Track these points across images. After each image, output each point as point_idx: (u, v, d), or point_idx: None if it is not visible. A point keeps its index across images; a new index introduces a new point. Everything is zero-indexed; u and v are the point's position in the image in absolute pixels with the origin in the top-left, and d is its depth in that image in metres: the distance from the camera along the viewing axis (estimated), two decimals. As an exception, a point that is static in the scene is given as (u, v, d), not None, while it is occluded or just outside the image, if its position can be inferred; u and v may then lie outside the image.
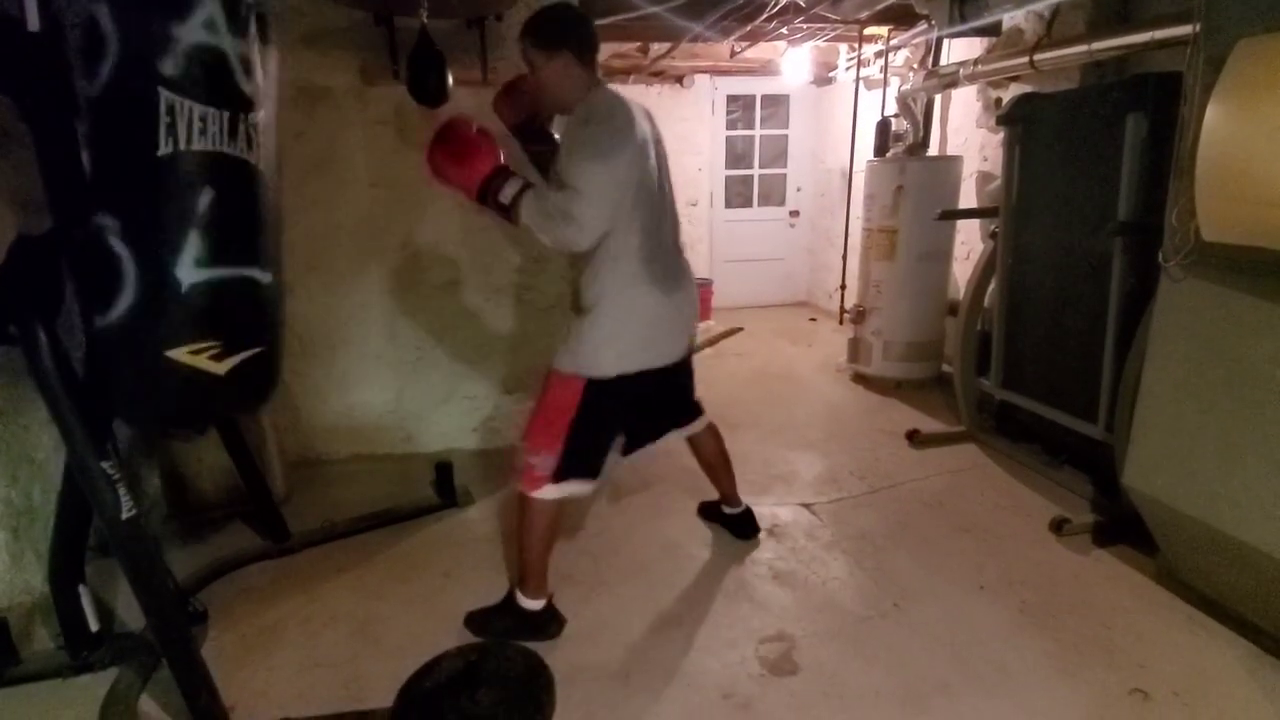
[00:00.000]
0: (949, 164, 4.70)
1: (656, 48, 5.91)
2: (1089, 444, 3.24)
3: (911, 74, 5.07)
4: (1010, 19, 4.04)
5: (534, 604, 2.36)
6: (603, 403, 2.22)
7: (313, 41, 3.34)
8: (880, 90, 5.65)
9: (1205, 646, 2.30)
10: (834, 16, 4.57)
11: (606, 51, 5.58)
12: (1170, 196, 2.30)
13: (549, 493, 2.26)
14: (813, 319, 7.27)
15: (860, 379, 5.08)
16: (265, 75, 2.07)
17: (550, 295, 3.80)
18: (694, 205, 7.31)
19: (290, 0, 3.22)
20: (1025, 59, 3.63)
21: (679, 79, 7.13)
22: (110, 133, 1.90)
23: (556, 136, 2.40)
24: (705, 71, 7.04)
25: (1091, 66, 3.50)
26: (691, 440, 2.79)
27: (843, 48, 6.12)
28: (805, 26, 4.97)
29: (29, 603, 2.44)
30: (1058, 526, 2.94)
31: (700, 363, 2.79)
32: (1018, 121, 3.52)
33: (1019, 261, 3.62)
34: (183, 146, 1.91)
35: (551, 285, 3.79)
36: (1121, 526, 2.83)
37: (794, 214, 7.77)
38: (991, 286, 3.86)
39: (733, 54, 6.05)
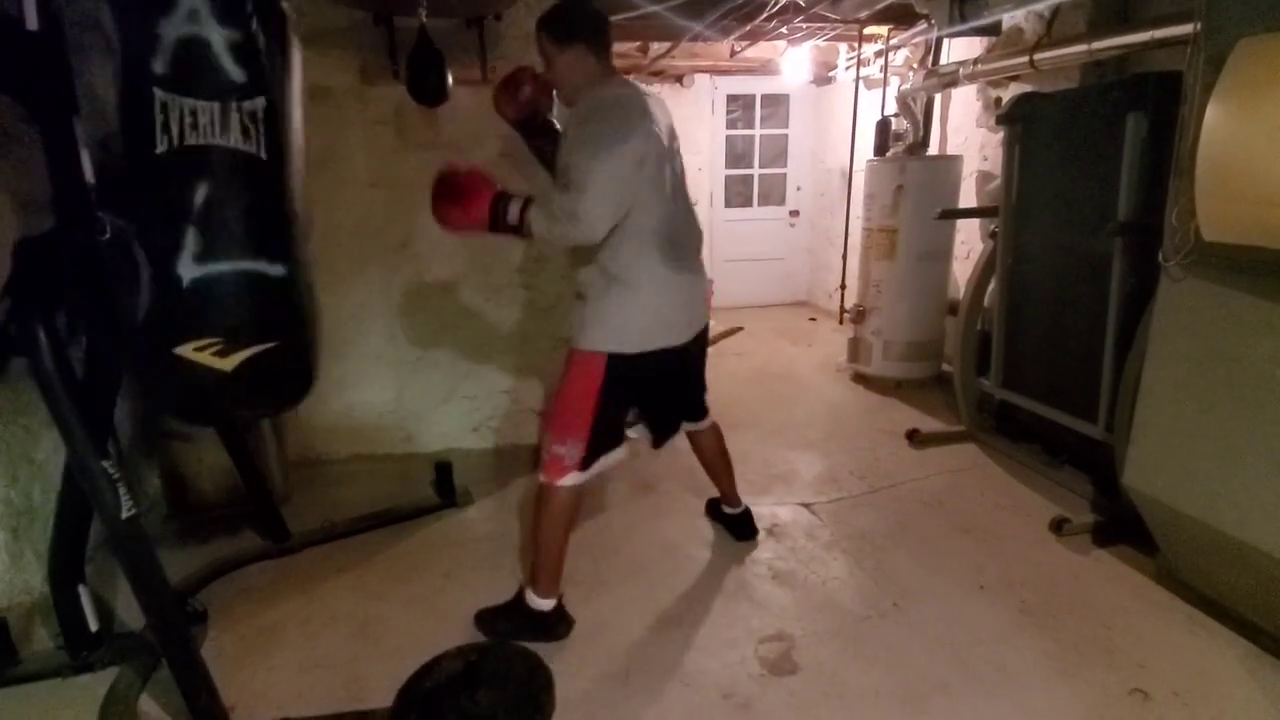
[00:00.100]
0: (949, 163, 4.70)
1: (656, 47, 5.90)
2: (1089, 444, 3.24)
3: (911, 73, 5.07)
4: (1010, 18, 4.03)
5: (544, 604, 2.35)
6: (625, 378, 2.23)
7: (312, 41, 3.32)
8: (880, 90, 5.64)
9: (1205, 646, 2.30)
10: (834, 16, 4.56)
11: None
12: (1170, 196, 2.30)
13: (573, 479, 2.26)
14: (813, 319, 7.27)
15: (860, 379, 5.08)
16: (286, 69, 2.05)
17: (550, 295, 3.80)
18: (694, 205, 7.29)
19: (290, 0, 3.21)
20: (1025, 58, 3.63)
21: (679, 78, 7.12)
22: (123, 134, 1.94)
23: (559, 126, 2.39)
24: (705, 71, 7.04)
25: (1091, 66, 3.51)
26: (693, 438, 2.80)
27: (842, 47, 6.12)
28: (805, 26, 4.97)
29: (29, 603, 2.44)
30: (1058, 526, 2.94)
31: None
32: (1017, 121, 3.51)
33: (1019, 261, 3.62)
34: (176, 143, 1.92)
35: (551, 285, 3.79)
36: (1121, 526, 2.83)
37: (794, 213, 7.77)
38: (991, 286, 3.86)
39: (733, 53, 6.05)
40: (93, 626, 2.27)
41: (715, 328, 6.55)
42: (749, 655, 2.31)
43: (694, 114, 7.22)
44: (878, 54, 5.56)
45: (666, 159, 2.21)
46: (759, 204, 7.76)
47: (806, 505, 3.28)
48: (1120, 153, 2.93)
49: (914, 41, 5.10)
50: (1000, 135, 3.84)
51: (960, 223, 4.73)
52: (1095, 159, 3.09)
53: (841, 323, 6.23)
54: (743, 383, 5.06)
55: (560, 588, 2.39)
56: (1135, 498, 2.53)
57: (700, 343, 2.51)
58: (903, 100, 4.81)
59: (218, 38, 1.91)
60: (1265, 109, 1.89)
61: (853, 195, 6.05)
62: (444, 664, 2.20)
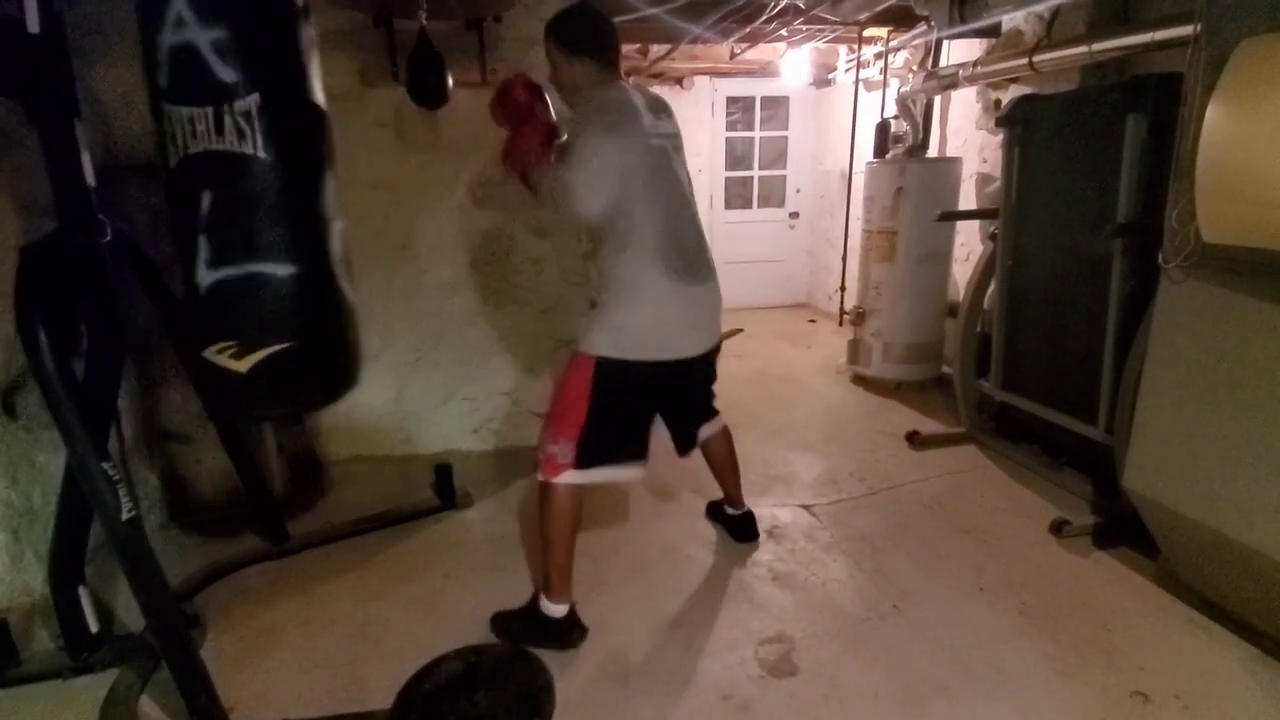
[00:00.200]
0: (948, 165, 4.70)
1: (656, 49, 5.91)
2: (1089, 445, 3.24)
3: (911, 75, 5.07)
4: (1010, 20, 4.04)
5: (557, 609, 2.33)
6: (615, 385, 2.21)
7: (312, 43, 3.34)
8: (880, 92, 5.65)
9: (1206, 649, 2.30)
10: (833, 18, 4.57)
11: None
12: (1170, 198, 2.30)
13: (569, 478, 2.24)
14: (812, 320, 7.27)
15: (860, 380, 5.08)
16: (288, 59, 2.03)
17: (550, 297, 3.81)
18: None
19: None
20: (1025, 60, 3.63)
21: (679, 80, 7.13)
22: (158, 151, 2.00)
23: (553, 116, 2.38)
24: (705, 73, 7.05)
25: (1092, 68, 3.51)
26: (703, 440, 2.78)
27: (842, 49, 6.12)
28: (805, 28, 4.98)
29: (29, 604, 2.45)
30: (1058, 528, 2.94)
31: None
32: (1017, 123, 3.52)
33: (1019, 263, 3.62)
34: (182, 154, 1.94)
35: (551, 287, 3.80)
36: (1122, 528, 2.83)
37: (794, 215, 7.78)
38: (991, 288, 3.86)
39: (732, 55, 6.05)
40: (93, 628, 2.27)
41: (715, 329, 6.57)
42: (749, 657, 2.31)
43: (694, 116, 7.22)
44: (877, 56, 5.57)
45: (665, 166, 2.20)
46: (759, 206, 7.77)
47: (806, 507, 3.28)
48: (1120, 154, 2.93)
49: (914, 43, 5.11)
50: (1000, 137, 3.85)
51: (960, 225, 4.74)
52: (1095, 161, 3.09)
53: (841, 324, 6.23)
54: (743, 384, 5.06)
55: (572, 594, 2.37)
56: (1135, 499, 2.53)
57: (709, 360, 2.47)
58: (902, 102, 4.81)
59: (202, 39, 1.88)
60: (1266, 110, 1.89)
61: (852, 197, 6.06)
62: (444, 665, 2.20)
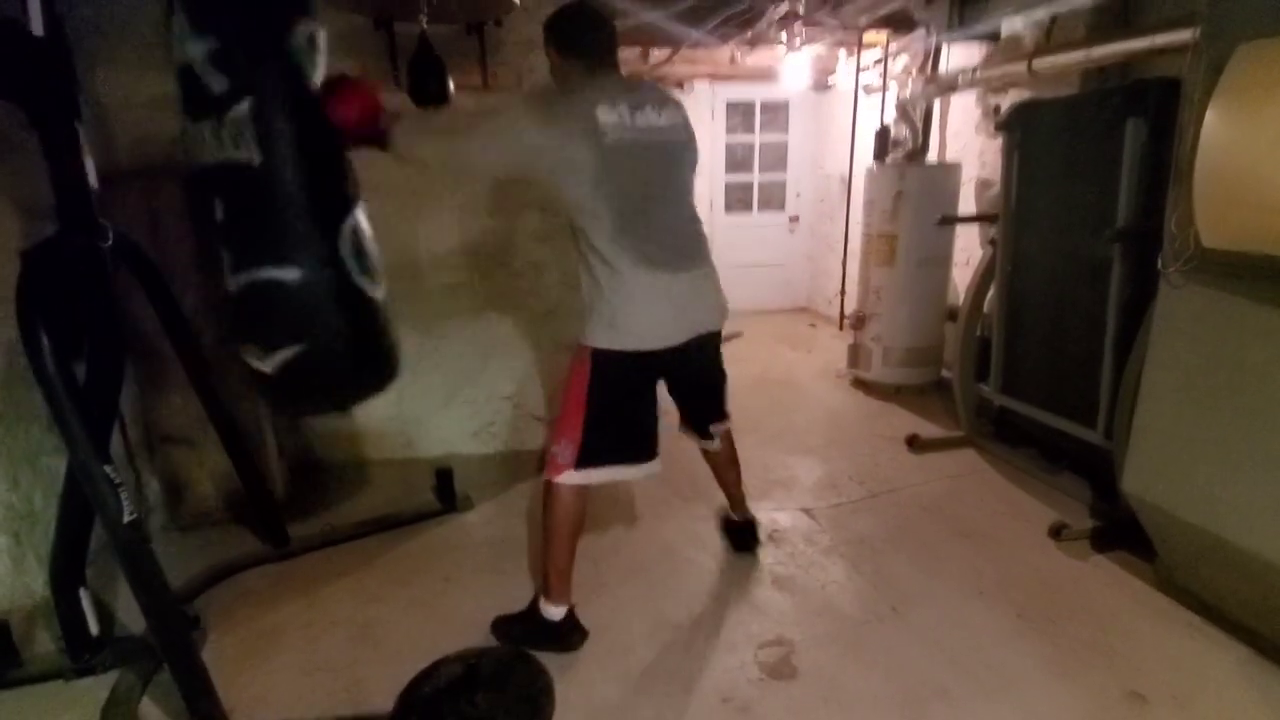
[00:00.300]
0: (948, 170, 4.71)
1: (657, 53, 5.91)
2: (1088, 449, 3.24)
3: (911, 80, 5.08)
4: (1009, 25, 4.05)
5: (556, 612, 2.34)
6: (610, 379, 2.21)
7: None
8: (879, 96, 5.66)
9: (1204, 651, 2.31)
10: (833, 23, 4.58)
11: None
12: (1169, 202, 2.31)
13: (568, 478, 2.24)
14: (812, 324, 7.28)
15: (860, 384, 5.08)
16: (280, 62, 2.02)
17: (550, 300, 3.81)
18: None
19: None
20: (1024, 65, 3.63)
21: (679, 84, 7.14)
22: None
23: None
24: (705, 77, 7.06)
25: (1091, 72, 3.51)
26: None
27: (842, 54, 6.13)
28: (805, 32, 4.98)
29: (30, 606, 2.45)
30: (1057, 532, 2.94)
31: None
32: (1016, 128, 3.52)
33: (1018, 267, 3.63)
34: (197, 168, 1.99)
35: (551, 291, 3.80)
36: (1120, 532, 2.83)
37: (794, 219, 7.78)
38: (991, 292, 3.87)
39: (732, 60, 6.07)
40: (94, 630, 2.28)
41: (715, 333, 6.58)
42: (748, 659, 2.32)
43: (694, 120, 7.16)
44: (877, 61, 5.58)
45: (639, 157, 2.14)
46: (759, 210, 7.77)
47: (806, 510, 3.29)
48: (1120, 159, 2.94)
49: (913, 48, 5.11)
50: (999, 142, 3.86)
51: (959, 229, 4.74)
52: (1095, 165, 3.10)
53: (841, 328, 6.24)
54: (743, 388, 5.07)
55: (571, 597, 2.37)
56: (1134, 503, 2.53)
57: (705, 348, 2.46)
58: (902, 107, 4.82)
59: (197, 52, 1.90)
60: (1265, 115, 1.89)
61: (852, 201, 6.06)
62: (444, 668, 2.21)
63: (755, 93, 7.30)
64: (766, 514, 3.21)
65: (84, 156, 2.06)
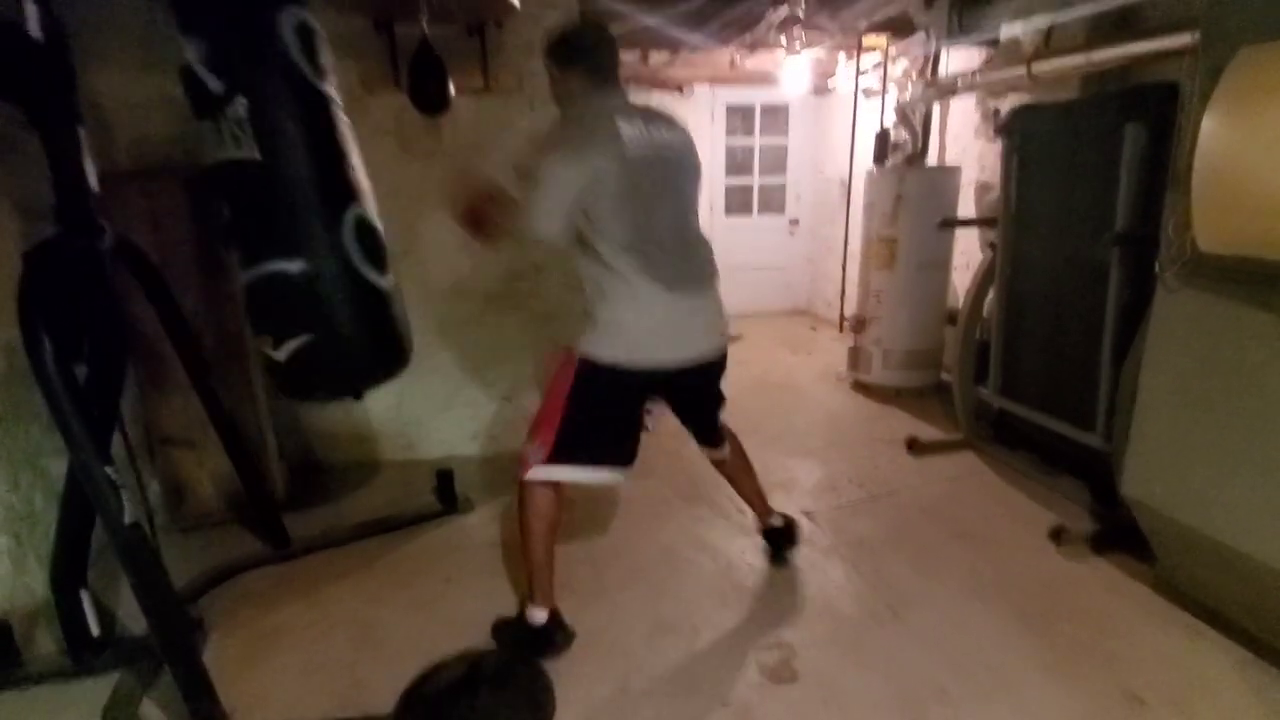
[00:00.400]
0: (948, 174, 4.73)
1: (657, 56, 5.93)
2: (1087, 452, 3.25)
3: (910, 84, 5.09)
4: (1009, 29, 4.05)
5: (539, 615, 2.33)
6: (593, 387, 2.20)
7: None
8: (879, 100, 5.67)
9: (1202, 654, 2.31)
10: (833, 27, 4.59)
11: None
12: (1167, 207, 2.32)
13: (534, 473, 2.23)
14: (812, 327, 7.29)
15: (860, 387, 5.09)
16: (273, 60, 2.08)
17: (550, 302, 3.82)
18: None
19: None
20: (1023, 69, 3.64)
21: (679, 88, 7.15)
22: None
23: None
24: (705, 81, 7.07)
25: (1091, 77, 3.52)
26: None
27: (841, 57, 6.14)
28: (805, 36, 5.00)
29: (31, 607, 2.45)
30: (1056, 535, 2.95)
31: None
32: (1016, 132, 3.53)
33: (1017, 271, 3.64)
34: (205, 168, 2.09)
35: (551, 292, 3.81)
36: (1119, 535, 2.84)
37: (794, 222, 7.79)
38: (990, 295, 3.88)
39: (732, 64, 6.08)
40: (94, 631, 2.28)
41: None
42: (748, 662, 2.32)
43: (693, 123, 7.11)
44: (876, 65, 5.59)
45: (652, 174, 2.15)
46: (759, 213, 7.78)
47: (806, 512, 3.29)
48: (1118, 163, 2.95)
49: (913, 52, 5.12)
50: (999, 145, 3.87)
51: (959, 232, 4.75)
52: (1093, 169, 3.11)
53: (841, 331, 6.25)
54: (743, 391, 5.08)
55: (554, 599, 2.36)
56: (1133, 506, 2.54)
57: (700, 375, 2.43)
58: (902, 110, 4.83)
59: (193, 53, 1.98)
60: (1262, 119, 1.90)
61: (852, 204, 6.07)
62: (445, 669, 2.21)
63: (755, 96, 7.31)
64: (766, 516, 3.21)
65: (85, 158, 2.07)
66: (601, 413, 2.26)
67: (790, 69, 5.94)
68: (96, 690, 2.16)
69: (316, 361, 2.23)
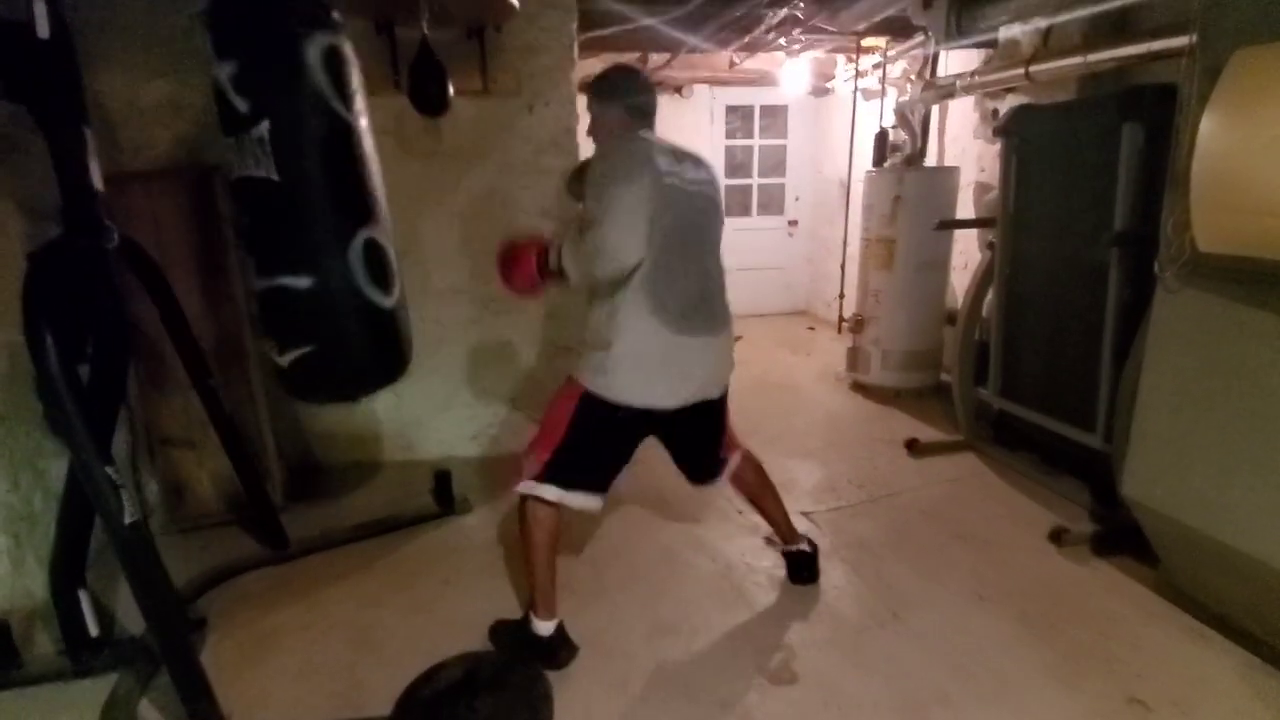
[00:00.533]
0: (946, 174, 4.73)
1: (656, 58, 5.94)
2: (1087, 453, 3.24)
3: (909, 85, 5.10)
4: (1007, 31, 4.06)
5: (545, 627, 2.31)
6: (594, 420, 2.20)
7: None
8: (878, 101, 5.68)
9: (1204, 656, 2.31)
10: (832, 28, 4.60)
11: (606, 60, 5.60)
12: (1165, 207, 2.31)
13: (524, 488, 2.23)
14: (811, 328, 7.29)
15: (859, 388, 5.09)
16: (297, 84, 2.14)
17: (549, 303, 3.82)
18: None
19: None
20: (1022, 70, 3.65)
21: (678, 89, 7.16)
22: None
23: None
24: (704, 82, 7.08)
25: (1089, 78, 3.53)
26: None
27: (840, 59, 6.15)
28: (804, 38, 5.00)
29: (30, 607, 2.45)
30: (1056, 536, 2.95)
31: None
32: (1014, 132, 3.54)
33: (1016, 271, 3.64)
34: (228, 183, 2.27)
35: (550, 294, 3.78)
36: (1121, 536, 2.83)
37: (793, 223, 7.80)
38: (989, 296, 3.88)
39: (731, 65, 6.08)
40: (93, 631, 2.27)
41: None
42: (748, 664, 2.32)
43: (693, 124, 7.25)
44: (875, 66, 5.60)
45: (679, 210, 2.16)
46: (758, 213, 7.79)
47: (805, 514, 3.29)
48: (1117, 163, 2.95)
49: (911, 54, 5.13)
50: (997, 146, 3.87)
51: (958, 233, 4.76)
52: (1092, 170, 3.11)
53: (840, 332, 6.25)
54: (742, 391, 5.04)
55: (557, 611, 2.34)
56: (1134, 507, 2.53)
57: (702, 413, 2.43)
58: (900, 112, 4.84)
59: (223, 74, 2.07)
60: (1260, 119, 1.90)
61: (851, 205, 6.08)
62: (443, 672, 2.21)
63: (754, 97, 7.33)
64: (766, 517, 3.20)
65: (90, 159, 2.07)
66: (599, 443, 2.27)
67: (789, 70, 5.95)
68: (95, 691, 2.16)
69: (317, 370, 2.35)
